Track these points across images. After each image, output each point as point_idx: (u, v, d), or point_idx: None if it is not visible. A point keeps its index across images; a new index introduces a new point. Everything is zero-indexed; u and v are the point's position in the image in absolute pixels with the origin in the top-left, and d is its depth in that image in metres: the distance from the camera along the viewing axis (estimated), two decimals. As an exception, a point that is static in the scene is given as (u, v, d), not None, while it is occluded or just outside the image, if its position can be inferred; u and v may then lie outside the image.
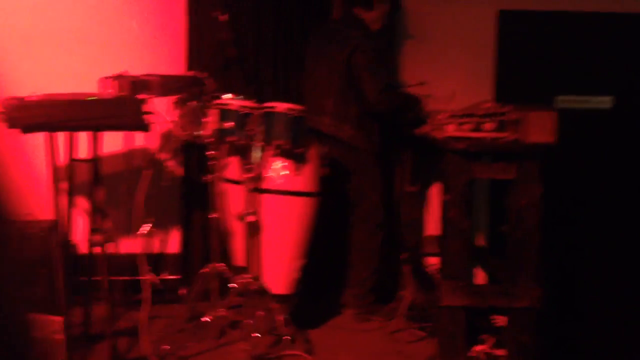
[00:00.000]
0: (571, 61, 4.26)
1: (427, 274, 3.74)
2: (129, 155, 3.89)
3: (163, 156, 3.89)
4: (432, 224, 4.09)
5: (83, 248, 3.44)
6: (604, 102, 4.30)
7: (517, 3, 4.20)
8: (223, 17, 3.51)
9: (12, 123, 2.67)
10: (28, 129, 2.73)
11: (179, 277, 3.92)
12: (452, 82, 4.00)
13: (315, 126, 3.37)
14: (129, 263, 3.67)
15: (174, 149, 3.81)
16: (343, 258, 3.71)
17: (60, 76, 3.76)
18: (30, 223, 3.50)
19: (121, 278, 3.64)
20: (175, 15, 3.96)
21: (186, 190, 3.90)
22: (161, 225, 3.97)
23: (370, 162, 3.53)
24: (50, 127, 2.77)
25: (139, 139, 3.88)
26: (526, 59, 4.24)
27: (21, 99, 2.71)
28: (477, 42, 4.18)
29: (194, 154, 3.64)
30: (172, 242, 4.07)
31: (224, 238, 3.39)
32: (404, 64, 4.11)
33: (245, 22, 3.82)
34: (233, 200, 3.39)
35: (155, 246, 4.01)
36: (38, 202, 3.78)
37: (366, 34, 3.47)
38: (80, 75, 3.80)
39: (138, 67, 3.59)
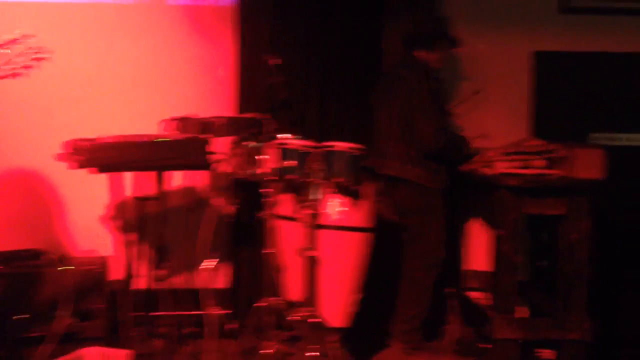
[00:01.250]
0: (604, 99, 4.36)
1: (472, 308, 3.77)
2: (178, 194, 4.00)
3: (212, 194, 4.01)
4: (471, 259, 4.16)
5: (139, 283, 3.53)
6: (636, 139, 4.39)
7: (551, 45, 4.32)
8: (274, 61, 3.62)
9: (84, 164, 2.77)
10: (101, 169, 2.84)
11: (228, 311, 3.96)
12: (489, 120, 4.10)
13: (382, 170, 3.46)
14: (177, 298, 3.75)
15: (224, 187, 3.93)
16: (390, 293, 3.76)
17: (116, 118, 3.90)
18: (89, 259, 3.61)
19: (182, 313, 3.70)
20: (225, 59, 4.10)
21: (235, 227, 3.97)
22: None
23: (437, 200, 3.58)
24: (121, 167, 2.88)
25: (189, 178, 4.01)
26: (560, 98, 4.34)
27: (92, 141, 2.82)
28: (513, 81, 4.29)
29: (243, 192, 3.71)
30: (220, 278, 4.15)
31: (276, 273, 3.47)
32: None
33: (293, 66, 3.92)
34: (286, 236, 3.48)
35: (204, 281, 4.09)
36: (98, 239, 3.92)
37: (421, 76, 3.56)
38: (135, 117, 3.98)
39: (193, 109, 3.76)
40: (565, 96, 4.34)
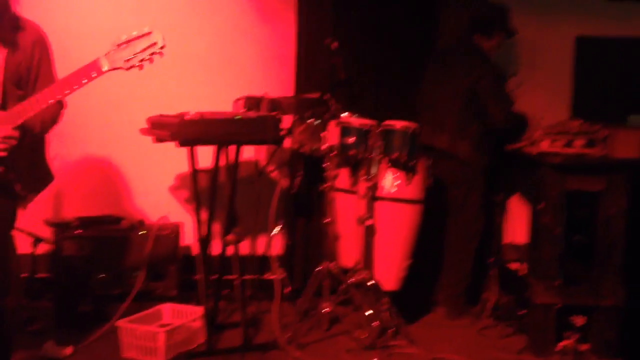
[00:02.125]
0: (642, 83, 4.57)
1: (511, 277, 4.04)
2: (243, 167, 4.31)
3: (270, 168, 4.33)
4: (511, 232, 4.43)
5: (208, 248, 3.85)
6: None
7: (592, 29, 4.53)
8: (334, 45, 3.89)
9: (174, 137, 3.10)
10: (186, 142, 3.17)
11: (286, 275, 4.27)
12: (535, 101, 4.33)
13: (430, 142, 3.74)
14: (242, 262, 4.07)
15: (285, 161, 4.25)
16: (437, 261, 4.05)
17: (188, 96, 4.22)
18: (164, 225, 3.96)
19: (246, 277, 4.02)
20: (286, 43, 4.38)
21: (296, 199, 4.27)
22: (266, 229, 4.37)
23: (478, 176, 3.88)
24: (205, 141, 3.21)
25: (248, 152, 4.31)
26: (601, 81, 4.56)
27: (181, 117, 3.14)
28: (556, 64, 4.52)
29: (305, 166, 3.99)
30: (276, 245, 4.47)
31: (332, 241, 3.78)
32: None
33: (351, 49, 4.19)
34: (343, 207, 3.79)
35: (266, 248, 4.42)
36: (171, 207, 4.27)
37: (486, 61, 3.84)
38: (205, 96, 4.29)
39: (254, 89, 4.06)
40: (605, 79, 4.56)
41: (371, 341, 3.41)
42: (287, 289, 4.14)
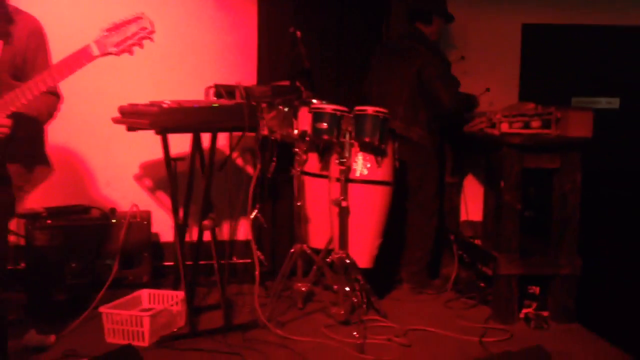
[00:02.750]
0: (584, 67, 4.86)
1: (471, 252, 4.24)
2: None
3: (234, 155, 4.39)
4: (465, 211, 4.66)
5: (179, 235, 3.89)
6: (613, 102, 4.92)
7: (538, 17, 4.78)
8: (298, 33, 3.98)
9: (153, 125, 3.13)
10: (164, 130, 3.21)
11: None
12: (485, 85, 4.53)
13: None
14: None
15: (253, 147, 4.32)
16: (398, 239, 4.22)
17: (152, 85, 4.24)
18: (134, 213, 3.98)
19: (226, 262, 4.09)
20: (247, 31, 4.44)
21: (266, 183, 4.33)
22: (232, 215, 4.44)
23: (433, 157, 4.06)
24: (183, 129, 3.25)
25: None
26: (546, 65, 4.83)
27: (160, 106, 3.17)
28: (505, 50, 4.76)
29: (276, 151, 4.06)
30: (241, 230, 4.55)
31: (304, 224, 3.89)
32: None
33: (311, 38, 4.28)
34: (311, 190, 3.90)
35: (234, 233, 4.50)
36: (137, 195, 4.29)
37: (431, 48, 4.00)
38: (168, 84, 4.32)
39: (215, 77, 4.11)
40: (550, 64, 4.83)
41: (346, 317, 3.54)
42: (262, 270, 4.24)
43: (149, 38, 2.39)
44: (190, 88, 4.12)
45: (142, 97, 3.57)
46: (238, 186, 4.25)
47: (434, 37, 4.13)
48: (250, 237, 4.47)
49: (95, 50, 2.39)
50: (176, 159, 3.83)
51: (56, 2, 4.10)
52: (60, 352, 3.13)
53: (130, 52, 2.36)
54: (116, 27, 2.39)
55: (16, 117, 2.42)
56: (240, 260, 4.52)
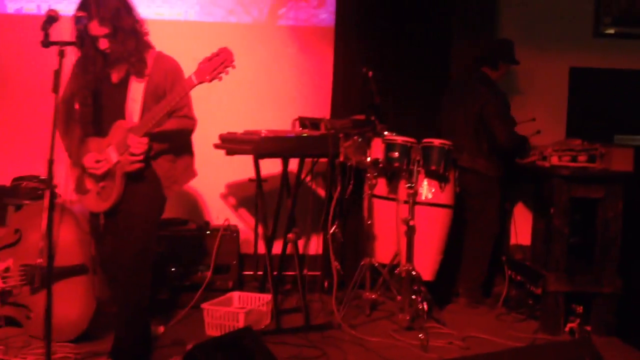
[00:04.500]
0: (626, 107, 5.23)
1: (521, 272, 4.61)
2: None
3: (308, 179, 4.88)
4: (516, 235, 5.04)
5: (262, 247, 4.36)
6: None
7: (583, 62, 5.19)
8: (370, 73, 4.46)
9: (255, 151, 3.64)
10: (261, 155, 3.72)
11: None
12: (536, 123, 4.94)
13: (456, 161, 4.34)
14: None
15: (325, 172, 4.80)
16: (457, 258, 4.62)
17: (242, 117, 4.75)
18: (225, 227, 4.49)
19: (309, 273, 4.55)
20: (323, 70, 4.96)
21: (341, 204, 4.77)
22: (306, 232, 4.90)
23: (496, 186, 4.47)
24: (277, 154, 3.76)
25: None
26: (591, 105, 5.22)
27: (259, 135, 3.69)
28: (553, 90, 5.17)
29: (349, 176, 4.52)
30: (313, 245, 5.02)
31: (372, 240, 4.34)
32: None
33: (380, 76, 4.75)
34: (379, 211, 4.35)
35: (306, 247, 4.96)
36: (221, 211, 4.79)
37: (493, 89, 4.45)
38: (254, 117, 4.82)
39: (294, 110, 4.63)
40: (595, 104, 5.22)
41: (410, 323, 3.95)
42: (326, 283, 4.71)
43: (232, 66, 2.89)
44: (273, 119, 4.64)
45: (227, 126, 4.09)
46: (306, 206, 4.70)
47: (499, 80, 4.57)
48: (320, 251, 5.00)
49: (195, 79, 2.93)
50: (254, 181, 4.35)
51: (166, 44, 4.66)
52: (170, 340, 3.62)
53: (219, 79, 2.87)
54: (207, 60, 2.92)
55: (150, 135, 2.96)
56: (310, 272, 4.97)
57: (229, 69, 2.92)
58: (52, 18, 2.49)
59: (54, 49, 4.23)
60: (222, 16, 4.92)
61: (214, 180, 4.89)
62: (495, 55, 4.54)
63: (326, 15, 4.98)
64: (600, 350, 3.74)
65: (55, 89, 2.54)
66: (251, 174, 4.47)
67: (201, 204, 4.88)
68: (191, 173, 3.26)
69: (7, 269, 3.56)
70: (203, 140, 3.94)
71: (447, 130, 4.54)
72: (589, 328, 4.01)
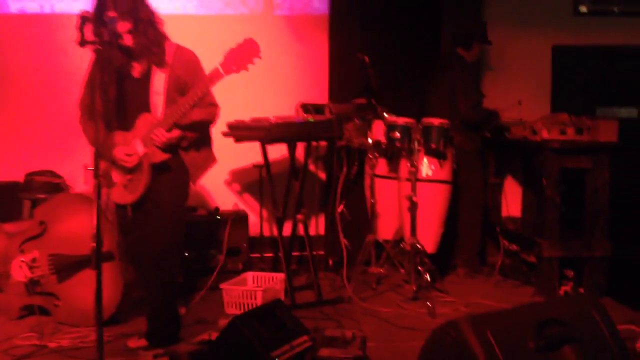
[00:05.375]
0: (606, 82, 5.48)
1: (515, 240, 4.85)
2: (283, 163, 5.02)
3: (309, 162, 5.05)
4: (507, 207, 5.27)
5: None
6: (632, 112, 5.54)
7: (566, 40, 5.42)
8: (366, 58, 4.64)
9: (266, 137, 3.81)
10: (271, 141, 3.89)
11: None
12: (519, 97, 5.14)
13: None
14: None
15: (324, 155, 4.99)
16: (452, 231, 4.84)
17: (245, 104, 4.90)
18: (235, 212, 4.66)
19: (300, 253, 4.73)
20: (319, 57, 5.12)
21: (328, 186, 4.97)
22: (312, 213, 5.08)
23: (477, 160, 4.71)
24: (286, 139, 3.93)
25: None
26: (573, 80, 5.46)
27: (268, 121, 3.86)
28: (537, 68, 5.39)
29: (351, 157, 4.71)
30: (313, 226, 5.20)
31: (374, 218, 4.53)
32: (487, 86, 5.28)
33: (374, 61, 4.93)
34: (381, 190, 4.55)
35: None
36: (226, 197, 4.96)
37: (463, 67, 4.64)
38: (255, 104, 4.99)
39: (293, 96, 4.79)
40: (577, 79, 5.46)
41: (416, 293, 4.17)
42: (330, 261, 4.92)
43: (258, 57, 3.01)
44: (272, 106, 4.80)
45: (228, 115, 4.12)
46: (310, 189, 4.89)
47: (471, 58, 4.76)
48: (320, 232, 5.19)
49: (222, 70, 3.04)
50: (261, 166, 4.54)
51: (189, 37, 4.79)
52: (192, 320, 3.80)
53: (246, 69, 2.99)
54: (232, 51, 3.04)
55: (179, 126, 3.10)
56: (314, 252, 5.17)
57: (255, 59, 3.00)
58: (85, 18, 2.62)
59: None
60: (220, 8, 5.05)
61: (217, 167, 5.03)
62: (468, 36, 4.74)
63: (319, 4, 5.13)
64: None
65: (92, 84, 2.65)
66: (253, 160, 4.69)
67: (207, 190, 5.04)
68: (212, 159, 3.39)
69: (34, 260, 3.70)
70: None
71: (430, 109, 4.72)
72: (582, 290, 4.26)
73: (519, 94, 5.13)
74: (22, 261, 3.67)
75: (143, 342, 3.30)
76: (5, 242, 3.84)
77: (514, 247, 4.81)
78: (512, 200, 5.31)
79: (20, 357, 3.30)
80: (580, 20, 5.44)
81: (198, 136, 3.24)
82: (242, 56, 3.00)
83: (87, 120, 3.24)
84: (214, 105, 3.28)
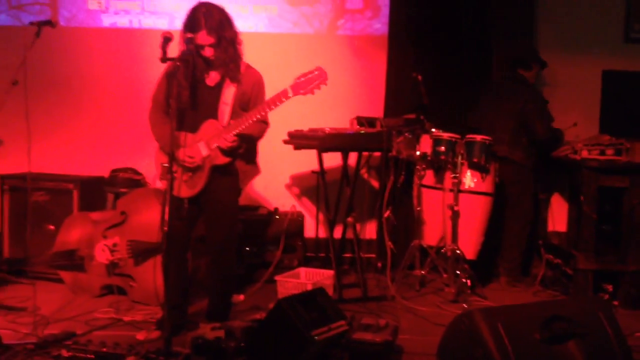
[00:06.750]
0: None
1: (557, 254, 5.05)
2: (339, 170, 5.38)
3: (362, 171, 5.40)
4: (552, 222, 5.46)
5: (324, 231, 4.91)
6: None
7: (616, 65, 5.56)
8: (419, 77, 4.96)
9: (321, 146, 4.20)
10: (326, 150, 4.27)
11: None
12: (571, 119, 5.35)
13: (496, 152, 4.80)
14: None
15: (377, 165, 5.33)
16: (498, 241, 5.08)
17: (306, 117, 5.28)
18: (292, 213, 5.05)
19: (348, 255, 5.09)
20: (376, 74, 5.47)
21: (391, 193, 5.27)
22: (361, 219, 5.42)
23: (530, 176, 4.93)
24: (339, 149, 4.30)
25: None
26: (622, 105, 5.58)
27: (323, 131, 4.24)
28: (587, 92, 5.56)
29: (400, 168, 5.02)
30: (370, 230, 5.53)
31: (419, 225, 4.84)
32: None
33: (428, 80, 5.23)
34: (427, 199, 4.85)
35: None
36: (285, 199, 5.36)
37: (530, 88, 4.91)
38: (316, 116, 5.35)
39: (350, 110, 5.14)
40: (625, 104, 5.58)
41: (455, 296, 4.45)
42: (379, 264, 5.23)
43: (324, 84, 3.41)
44: (331, 118, 5.13)
45: (291, 125, 4.62)
46: (362, 195, 5.22)
47: (532, 80, 5.03)
48: (373, 236, 5.51)
49: (290, 92, 3.44)
50: (318, 173, 4.91)
51: (260, 52, 5.17)
52: (249, 306, 4.21)
53: (312, 93, 3.38)
54: (303, 76, 3.44)
55: (239, 135, 3.52)
56: (365, 255, 5.49)
57: (322, 86, 3.41)
58: (167, 39, 3.08)
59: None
60: (288, 28, 5.49)
61: (279, 171, 5.47)
62: (528, 57, 5.00)
63: (379, 26, 5.49)
64: (628, 320, 4.19)
65: (170, 91, 3.14)
66: (312, 166, 5.06)
67: (268, 192, 5.46)
68: (257, 170, 3.79)
69: (115, 244, 4.20)
70: (271, 137, 4.50)
71: (488, 126, 4.97)
72: (616, 303, 4.44)
73: (569, 117, 5.34)
74: (105, 245, 4.18)
75: (156, 334, 3.57)
76: (90, 228, 4.36)
77: (556, 260, 5.02)
78: (558, 216, 5.49)
79: (100, 327, 3.79)
80: (631, 46, 5.58)
81: (248, 147, 3.62)
82: (311, 82, 3.38)
83: (156, 114, 3.63)
84: (265, 123, 3.66)
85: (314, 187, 5.25)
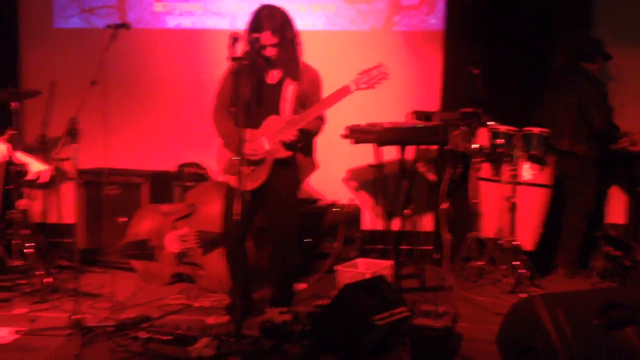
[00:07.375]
0: None
1: (616, 245, 5.03)
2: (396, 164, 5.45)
3: (419, 164, 5.48)
4: (611, 214, 5.44)
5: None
6: None
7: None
8: (476, 71, 5.00)
9: (379, 139, 4.31)
10: (384, 143, 4.38)
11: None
12: (630, 111, 5.31)
13: (557, 145, 4.81)
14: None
15: (428, 159, 5.40)
16: (556, 234, 5.09)
17: (364, 111, 5.39)
18: (349, 205, 5.17)
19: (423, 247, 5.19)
20: (431, 70, 5.54)
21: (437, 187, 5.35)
22: (418, 211, 5.50)
23: (593, 169, 4.92)
24: (396, 142, 4.40)
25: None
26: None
27: (382, 126, 4.34)
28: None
29: (457, 161, 5.09)
30: (427, 222, 5.61)
31: (477, 217, 4.90)
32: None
33: (486, 74, 5.26)
34: (485, 191, 4.90)
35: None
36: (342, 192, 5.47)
37: (592, 80, 4.88)
38: (373, 111, 5.45)
39: (407, 104, 5.22)
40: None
41: (513, 287, 4.50)
42: (436, 255, 5.31)
43: (385, 79, 3.52)
44: (388, 113, 5.22)
45: (348, 120, 4.72)
46: (419, 188, 5.30)
47: (596, 73, 5.01)
48: (431, 229, 5.59)
49: (353, 87, 3.57)
50: (376, 166, 5.01)
51: (318, 49, 5.35)
52: (310, 294, 4.36)
53: (373, 88, 3.50)
54: (364, 72, 3.56)
55: (300, 130, 3.66)
56: (422, 247, 5.59)
57: (383, 80, 3.55)
58: (235, 39, 3.24)
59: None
60: (344, 25, 5.61)
61: (336, 166, 5.59)
62: (593, 51, 4.98)
63: (435, 21, 5.56)
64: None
65: (237, 89, 3.32)
66: (368, 160, 5.17)
67: (327, 186, 5.60)
68: (314, 165, 3.91)
69: (184, 235, 4.42)
70: (329, 132, 4.61)
71: (549, 119, 4.96)
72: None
73: (631, 106, 5.30)
74: (175, 235, 4.39)
75: (225, 318, 3.73)
76: (161, 220, 4.59)
77: (615, 252, 5.00)
78: (616, 208, 5.46)
79: (172, 312, 4.00)
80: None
81: (307, 141, 3.75)
82: (372, 77, 3.53)
83: (220, 111, 3.80)
84: (322, 120, 3.79)
85: (371, 180, 5.36)
